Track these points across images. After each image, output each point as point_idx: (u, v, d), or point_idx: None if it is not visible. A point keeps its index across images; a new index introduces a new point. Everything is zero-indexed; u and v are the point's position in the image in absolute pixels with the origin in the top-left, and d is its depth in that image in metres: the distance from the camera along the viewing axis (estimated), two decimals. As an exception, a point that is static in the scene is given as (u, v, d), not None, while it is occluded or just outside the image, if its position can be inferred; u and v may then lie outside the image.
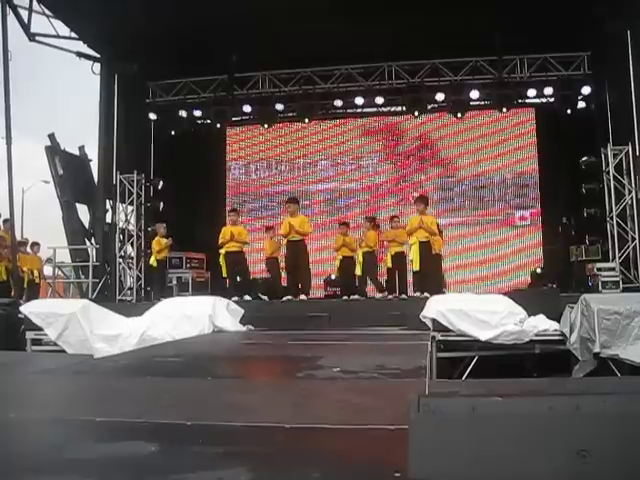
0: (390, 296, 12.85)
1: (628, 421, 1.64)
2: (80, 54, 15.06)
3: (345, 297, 12.83)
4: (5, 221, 13.79)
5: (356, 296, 12.62)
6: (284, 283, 13.47)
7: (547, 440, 1.62)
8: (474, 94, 16.09)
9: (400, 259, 13.10)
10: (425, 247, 11.93)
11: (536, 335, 8.10)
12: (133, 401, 3.97)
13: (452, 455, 1.63)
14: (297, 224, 12.05)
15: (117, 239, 15.22)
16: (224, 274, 12.66)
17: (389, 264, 13.51)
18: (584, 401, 1.71)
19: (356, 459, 2.65)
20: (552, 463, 1.59)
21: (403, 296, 12.50)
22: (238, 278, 12.76)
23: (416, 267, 11.92)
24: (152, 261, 14.26)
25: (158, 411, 3.62)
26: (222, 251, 12.54)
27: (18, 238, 14.33)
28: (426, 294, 11.49)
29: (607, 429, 1.63)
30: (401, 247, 13.06)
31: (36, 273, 14.51)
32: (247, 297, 12.04)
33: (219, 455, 2.74)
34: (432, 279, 12.30)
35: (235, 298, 11.65)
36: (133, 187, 15.28)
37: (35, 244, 15.22)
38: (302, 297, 12.03)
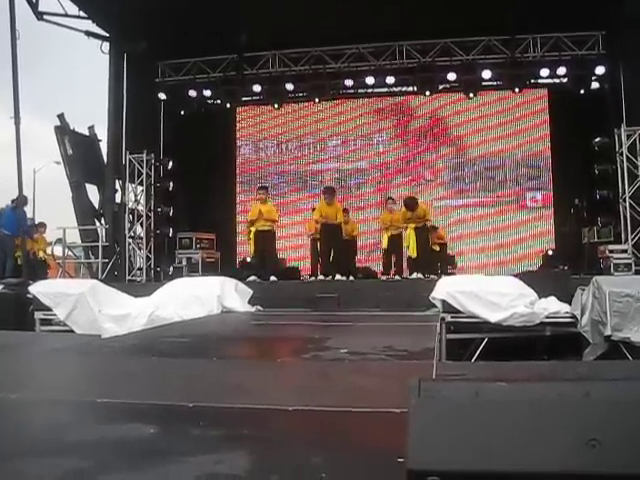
0: (384, 277, 12.91)
1: (641, 408, 1.58)
2: (89, 33, 14.96)
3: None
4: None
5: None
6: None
7: (554, 428, 1.56)
8: (486, 74, 15.87)
9: (397, 242, 13.15)
10: (421, 232, 12.09)
11: (547, 317, 8.05)
12: (137, 382, 3.95)
13: (454, 443, 1.57)
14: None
15: (127, 219, 15.20)
16: (252, 253, 12.90)
17: (385, 245, 13.48)
18: (594, 387, 1.64)
19: (359, 443, 2.61)
20: (560, 452, 1.52)
21: (408, 276, 12.61)
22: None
23: (413, 254, 12.06)
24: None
25: (161, 392, 3.59)
26: (252, 229, 12.58)
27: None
28: (419, 275, 11.70)
29: (619, 416, 1.56)
30: (397, 230, 13.09)
31: (43, 253, 14.51)
32: (273, 278, 12.09)
33: (219, 438, 2.70)
34: (427, 263, 12.70)
35: (252, 278, 11.73)
36: (142, 167, 15.23)
37: (41, 225, 15.18)
38: (338, 277, 12.08)
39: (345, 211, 14.13)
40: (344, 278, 12.13)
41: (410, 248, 12.12)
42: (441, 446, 1.57)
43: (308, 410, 3.08)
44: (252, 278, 11.81)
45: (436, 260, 14.02)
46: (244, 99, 17.92)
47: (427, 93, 16.69)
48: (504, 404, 1.62)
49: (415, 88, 17.09)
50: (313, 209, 14.46)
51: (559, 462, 1.51)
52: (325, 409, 3.10)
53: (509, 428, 1.57)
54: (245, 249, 17.04)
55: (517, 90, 16.30)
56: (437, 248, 14.14)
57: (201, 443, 2.59)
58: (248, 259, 15.97)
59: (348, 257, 13.61)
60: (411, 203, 12.90)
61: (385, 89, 17.58)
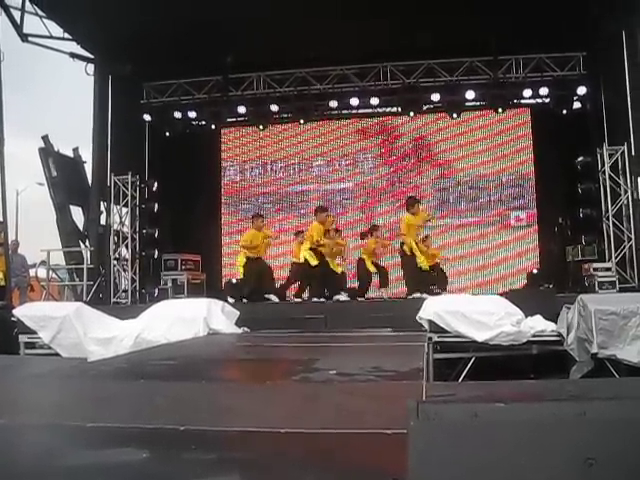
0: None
1: (637, 427, 1.58)
2: (73, 55, 15.00)
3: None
4: None
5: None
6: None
7: (552, 448, 1.56)
8: (469, 94, 16.05)
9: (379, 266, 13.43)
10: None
11: (533, 336, 8.06)
12: (126, 406, 3.90)
13: (454, 464, 1.57)
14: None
15: (111, 241, 15.15)
16: (243, 277, 12.88)
17: (371, 269, 13.49)
18: (590, 406, 1.65)
19: (352, 465, 2.59)
20: (558, 472, 1.53)
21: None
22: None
23: (425, 264, 12.18)
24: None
25: (151, 416, 3.55)
26: (243, 256, 12.69)
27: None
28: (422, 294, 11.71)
29: (614, 435, 1.57)
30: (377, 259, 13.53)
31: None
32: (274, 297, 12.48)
33: (211, 462, 2.68)
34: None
35: (231, 300, 11.67)
36: (127, 189, 15.21)
37: None
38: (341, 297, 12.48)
39: (336, 231, 14.16)
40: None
41: (420, 259, 12.16)
42: (441, 467, 1.56)
43: (300, 432, 3.06)
44: (231, 300, 11.67)
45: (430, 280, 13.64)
46: (229, 120, 17.98)
47: (411, 114, 16.84)
48: (503, 425, 1.62)
49: (399, 109, 17.25)
50: (299, 232, 14.45)
51: (558, 482, 1.52)
52: (317, 431, 3.08)
53: (508, 448, 1.57)
54: (231, 271, 16.99)
55: (500, 110, 16.49)
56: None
57: (194, 467, 2.56)
58: (234, 280, 15.94)
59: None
60: (411, 201, 12.92)
61: (369, 110, 17.68)
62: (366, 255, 13.40)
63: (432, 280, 13.50)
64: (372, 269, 13.33)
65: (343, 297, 12.48)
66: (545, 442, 1.58)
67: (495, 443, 1.58)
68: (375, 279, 13.49)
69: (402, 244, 12.30)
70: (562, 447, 1.56)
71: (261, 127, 17.63)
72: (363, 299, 13.06)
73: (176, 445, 2.89)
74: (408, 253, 12.17)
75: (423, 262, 12.25)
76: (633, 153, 13.36)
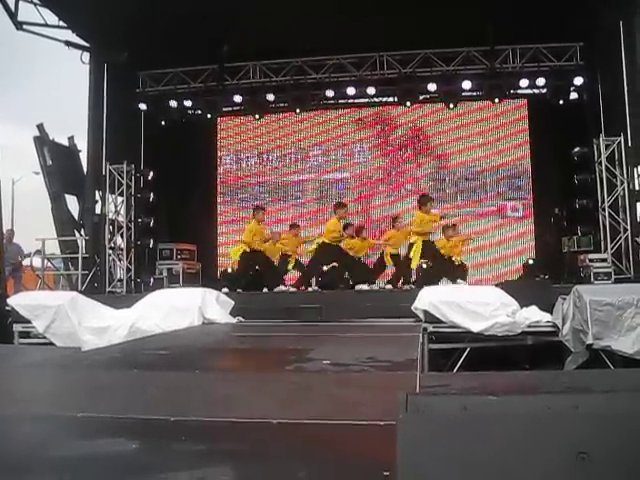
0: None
1: (631, 420, 1.56)
2: (69, 43, 14.87)
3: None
4: None
5: None
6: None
7: (544, 442, 1.55)
8: (466, 84, 15.97)
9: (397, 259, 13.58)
10: (427, 245, 12.34)
11: (528, 326, 8.09)
12: (118, 396, 3.89)
13: (443, 458, 1.55)
14: None
15: (107, 230, 15.09)
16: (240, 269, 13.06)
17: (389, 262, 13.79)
18: (583, 399, 1.63)
19: (344, 456, 2.57)
20: (549, 466, 1.51)
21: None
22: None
23: (414, 265, 12.26)
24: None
25: (143, 406, 3.54)
26: (246, 248, 12.60)
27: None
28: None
29: (607, 429, 1.55)
30: (396, 250, 13.65)
31: None
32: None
33: (201, 453, 2.66)
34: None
35: (225, 290, 11.61)
36: (123, 178, 15.16)
37: None
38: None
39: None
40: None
41: (414, 260, 12.20)
42: (430, 461, 1.55)
43: (292, 423, 3.04)
44: (225, 290, 11.57)
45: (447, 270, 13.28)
46: (225, 109, 17.89)
47: (408, 103, 16.73)
48: (492, 418, 1.60)
49: (396, 98, 17.18)
50: (294, 225, 14.61)
51: (548, 476, 1.50)
52: (309, 422, 3.07)
53: (498, 442, 1.55)
54: (226, 260, 16.93)
55: (497, 100, 16.41)
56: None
57: (183, 458, 2.55)
58: (229, 270, 15.90)
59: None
60: (424, 199, 12.87)
61: (366, 99, 17.61)
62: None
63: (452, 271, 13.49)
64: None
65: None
66: (537, 436, 1.56)
67: (486, 436, 1.56)
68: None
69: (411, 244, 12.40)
70: (554, 441, 1.54)
71: (257, 116, 17.53)
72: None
73: (166, 435, 2.87)
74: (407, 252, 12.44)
75: (414, 265, 12.32)
76: (629, 144, 13.34)
